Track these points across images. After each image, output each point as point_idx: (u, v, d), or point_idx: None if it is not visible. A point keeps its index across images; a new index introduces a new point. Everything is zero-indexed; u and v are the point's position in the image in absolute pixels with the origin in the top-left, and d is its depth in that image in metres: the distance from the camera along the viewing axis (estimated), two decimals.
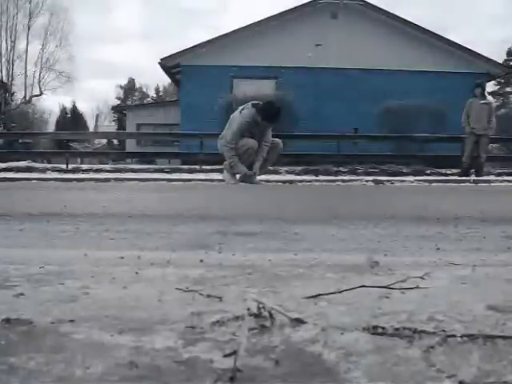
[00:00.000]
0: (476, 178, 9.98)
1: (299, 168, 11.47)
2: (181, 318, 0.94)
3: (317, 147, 12.96)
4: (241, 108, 7.22)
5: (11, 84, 29.11)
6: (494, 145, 15.71)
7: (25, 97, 30.28)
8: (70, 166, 12.13)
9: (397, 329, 0.87)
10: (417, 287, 1.15)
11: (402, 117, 13.94)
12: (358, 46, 15.84)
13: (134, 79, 61.54)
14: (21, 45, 29.65)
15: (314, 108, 15.27)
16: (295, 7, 16.84)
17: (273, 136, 7.45)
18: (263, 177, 7.75)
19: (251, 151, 7.01)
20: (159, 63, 17.32)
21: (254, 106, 7.06)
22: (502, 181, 9.41)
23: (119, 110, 33.93)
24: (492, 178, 10.02)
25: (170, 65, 17.32)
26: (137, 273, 1.33)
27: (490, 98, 14.43)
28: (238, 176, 7.27)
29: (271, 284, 1.22)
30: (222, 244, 1.94)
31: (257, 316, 0.91)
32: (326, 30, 16.33)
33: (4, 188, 6.42)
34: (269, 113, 7.01)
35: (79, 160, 16.64)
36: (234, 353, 0.75)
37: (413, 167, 11.74)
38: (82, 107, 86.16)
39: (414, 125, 13.41)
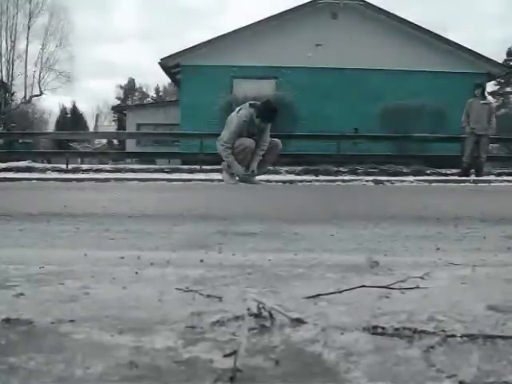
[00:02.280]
0: (476, 177, 9.98)
1: (299, 168, 11.48)
2: (181, 318, 0.94)
3: (317, 147, 12.96)
4: (238, 108, 7.23)
5: (11, 84, 29.11)
6: (494, 145, 15.70)
7: (25, 97, 30.28)
8: (70, 166, 12.13)
9: (397, 329, 0.87)
10: (417, 287, 1.15)
11: (401, 117, 13.94)
12: (358, 45, 15.83)
13: (134, 79, 61.60)
14: (21, 45, 29.66)
15: (314, 108, 15.26)
16: (295, 7, 16.83)
17: (273, 136, 7.46)
18: (263, 177, 7.75)
19: (248, 150, 7.01)
20: (159, 63, 17.32)
21: (251, 105, 7.07)
22: (501, 181, 9.41)
23: (119, 110, 33.91)
24: (492, 178, 10.02)
25: (169, 65, 17.32)
26: (137, 273, 1.33)
27: (490, 98, 14.43)
28: (236, 176, 7.28)
29: (271, 284, 1.22)
30: (222, 244, 1.94)
31: (257, 316, 0.91)
32: (326, 30, 16.33)
33: (4, 188, 6.42)
34: (266, 112, 7.01)
35: (79, 160, 16.66)
36: (234, 353, 0.75)
37: (413, 167, 11.73)
38: (82, 107, 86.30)
39: (413, 125, 13.42)
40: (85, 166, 12.73)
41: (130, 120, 25.95)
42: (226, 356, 0.76)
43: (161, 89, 60.85)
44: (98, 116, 50.60)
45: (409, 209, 3.78)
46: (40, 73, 30.26)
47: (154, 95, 61.42)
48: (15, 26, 29.16)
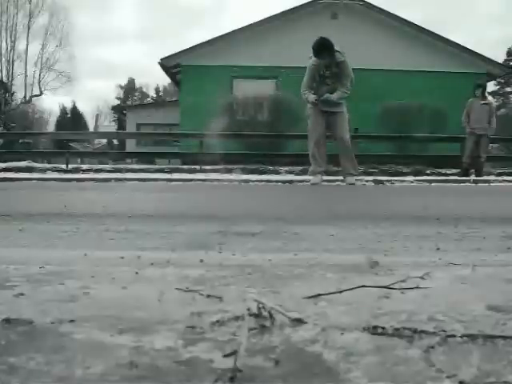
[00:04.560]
0: (476, 177, 9.98)
1: (299, 168, 11.47)
2: (181, 317, 0.94)
3: None
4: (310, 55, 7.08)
5: (11, 84, 29.13)
6: (494, 145, 15.71)
7: (25, 97, 30.32)
8: (70, 166, 12.14)
9: (397, 329, 0.87)
10: (417, 287, 1.15)
11: (402, 117, 13.95)
12: (358, 46, 15.82)
13: (134, 79, 61.66)
14: (21, 45, 29.71)
15: None
16: (295, 7, 16.85)
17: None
18: (264, 177, 7.75)
19: (316, 142, 6.94)
20: (159, 63, 17.33)
21: None
22: (501, 181, 9.41)
23: (119, 110, 33.94)
24: (492, 178, 10.02)
25: (169, 65, 17.33)
26: (137, 273, 1.33)
27: (490, 98, 14.45)
28: (318, 178, 7.18)
29: (271, 284, 1.22)
30: (222, 244, 1.94)
31: (257, 316, 0.91)
32: (326, 30, 16.28)
33: (4, 188, 6.42)
34: (314, 47, 6.77)
35: (79, 160, 16.66)
36: (234, 353, 0.75)
37: (413, 167, 11.74)
38: (82, 107, 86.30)
39: (414, 125, 13.42)
40: (85, 166, 12.74)
41: (130, 120, 26.00)
42: (225, 356, 0.76)
43: (161, 89, 60.92)
44: (98, 116, 50.61)
45: (409, 209, 3.78)
46: (40, 73, 30.33)
47: (154, 95, 61.48)
48: (15, 26, 29.24)
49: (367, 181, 8.59)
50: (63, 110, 40.24)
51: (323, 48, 6.78)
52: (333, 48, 6.81)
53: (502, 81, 38.66)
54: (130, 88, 60.77)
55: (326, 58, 6.83)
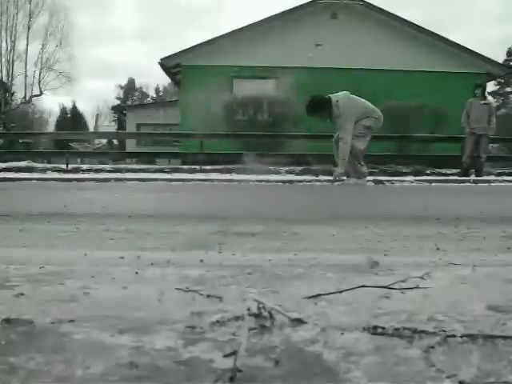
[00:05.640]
0: (476, 177, 9.98)
1: (299, 168, 11.47)
2: (181, 317, 0.94)
3: (317, 147, 12.96)
4: None
5: (11, 84, 29.12)
6: (494, 145, 15.71)
7: (25, 97, 30.29)
8: (70, 166, 12.13)
9: (397, 329, 0.87)
10: (417, 287, 1.15)
11: (401, 117, 13.93)
12: (358, 46, 15.83)
13: (134, 79, 61.62)
14: (21, 45, 29.67)
15: None
16: (295, 7, 16.84)
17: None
18: (264, 177, 7.74)
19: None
20: (159, 63, 17.32)
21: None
22: (501, 181, 9.40)
23: (119, 110, 33.94)
24: (492, 178, 10.01)
25: (169, 65, 17.32)
26: (137, 273, 1.33)
27: (489, 98, 14.45)
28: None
29: (271, 284, 1.22)
30: (222, 244, 1.94)
31: (257, 316, 0.91)
32: (326, 30, 16.33)
33: (4, 188, 6.42)
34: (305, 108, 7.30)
35: (79, 160, 16.65)
36: (234, 353, 0.75)
37: (413, 167, 11.73)
38: (82, 107, 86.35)
39: (414, 125, 13.41)
40: (85, 166, 12.72)
41: (130, 120, 26.01)
42: (225, 356, 0.76)
43: (161, 89, 60.89)
44: (98, 116, 50.57)
45: (409, 209, 3.78)
46: (40, 73, 30.28)
47: (154, 95, 61.46)
48: (15, 26, 29.20)
49: (367, 181, 8.58)
50: (63, 110, 40.28)
51: (310, 110, 7.31)
52: (320, 107, 7.24)
53: (502, 81, 38.63)
54: (129, 88, 60.74)
55: (323, 115, 7.34)
